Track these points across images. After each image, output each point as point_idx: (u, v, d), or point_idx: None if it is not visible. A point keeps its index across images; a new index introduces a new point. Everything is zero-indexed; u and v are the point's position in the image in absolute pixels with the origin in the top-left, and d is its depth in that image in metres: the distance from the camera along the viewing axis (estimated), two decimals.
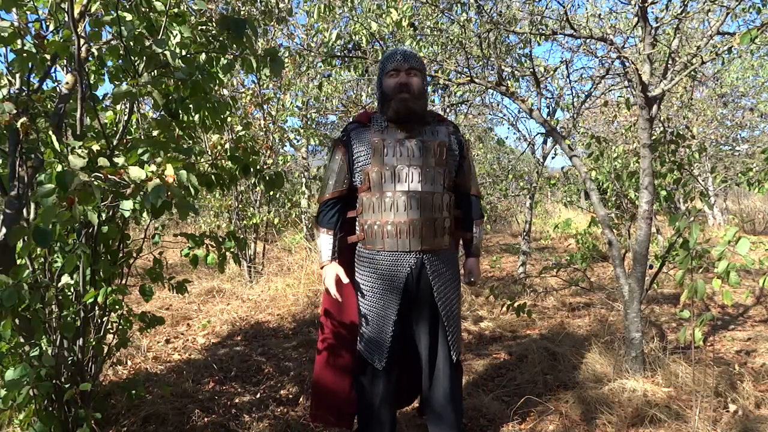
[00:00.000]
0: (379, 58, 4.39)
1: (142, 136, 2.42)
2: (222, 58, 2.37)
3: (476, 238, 2.46)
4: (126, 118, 2.25)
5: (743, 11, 3.83)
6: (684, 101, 6.61)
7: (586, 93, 5.67)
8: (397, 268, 2.24)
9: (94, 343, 2.33)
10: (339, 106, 6.75)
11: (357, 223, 2.35)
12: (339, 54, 4.72)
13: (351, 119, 2.57)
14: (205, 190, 2.57)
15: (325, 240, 2.31)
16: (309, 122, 6.93)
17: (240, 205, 6.31)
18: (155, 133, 2.31)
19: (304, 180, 7.99)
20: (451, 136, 2.33)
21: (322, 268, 2.33)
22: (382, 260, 2.25)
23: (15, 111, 1.87)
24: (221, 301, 5.46)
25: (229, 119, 4.44)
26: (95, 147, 1.73)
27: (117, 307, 2.42)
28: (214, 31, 2.31)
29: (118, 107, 2.52)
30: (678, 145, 3.79)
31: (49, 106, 2.14)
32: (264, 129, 6.01)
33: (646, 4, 2.94)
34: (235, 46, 2.24)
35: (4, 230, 1.93)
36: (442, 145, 2.27)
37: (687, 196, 4.24)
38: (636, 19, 3.24)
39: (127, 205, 1.75)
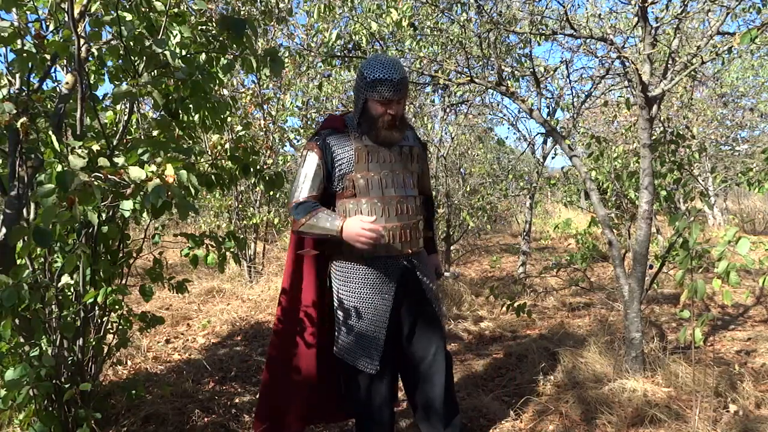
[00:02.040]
0: None
1: (142, 136, 2.43)
2: (222, 58, 2.37)
3: (435, 234, 2.57)
4: (126, 118, 2.25)
5: (743, 11, 3.83)
6: (684, 101, 6.61)
7: (586, 93, 5.67)
8: (389, 273, 2.25)
9: (94, 343, 2.33)
10: (339, 106, 6.74)
11: None
12: (339, 54, 4.72)
13: (321, 123, 2.50)
14: (205, 190, 2.58)
15: (323, 215, 2.17)
16: (309, 122, 6.93)
17: (240, 205, 6.32)
18: (155, 133, 2.31)
19: None
20: (416, 139, 2.41)
21: (341, 233, 2.13)
22: (373, 265, 2.23)
23: (15, 111, 1.87)
24: (221, 301, 5.46)
25: (229, 119, 4.44)
26: (95, 147, 1.73)
27: (117, 307, 2.42)
28: (214, 31, 2.32)
29: (118, 107, 2.52)
30: (678, 145, 3.79)
31: (49, 106, 2.14)
32: (264, 129, 6.01)
33: (646, 4, 2.93)
34: (235, 46, 2.24)
35: (4, 230, 1.93)
36: (414, 151, 2.35)
37: (687, 196, 4.24)
38: (636, 19, 3.24)
39: (127, 205, 1.75)
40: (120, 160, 1.77)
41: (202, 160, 2.63)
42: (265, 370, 2.45)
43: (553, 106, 5.94)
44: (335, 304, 2.32)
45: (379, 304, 2.24)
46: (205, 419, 2.80)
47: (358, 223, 2.11)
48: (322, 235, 2.20)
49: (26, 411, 2.19)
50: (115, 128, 2.52)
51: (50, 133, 1.95)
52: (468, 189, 6.68)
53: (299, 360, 2.38)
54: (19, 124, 1.87)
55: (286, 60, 5.18)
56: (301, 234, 2.26)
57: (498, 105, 7.78)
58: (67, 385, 2.12)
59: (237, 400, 3.05)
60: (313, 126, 7.24)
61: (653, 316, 4.54)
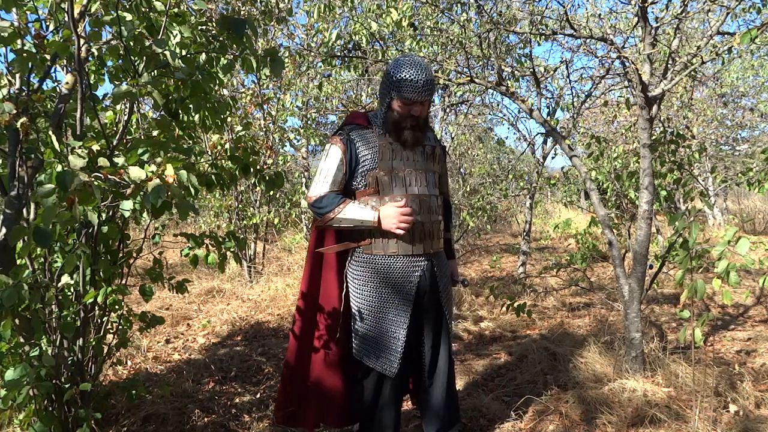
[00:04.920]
0: (379, 58, 4.39)
1: (142, 136, 2.42)
2: (222, 58, 2.36)
3: (453, 239, 2.56)
4: (126, 118, 2.24)
5: (743, 11, 3.83)
6: (684, 101, 6.62)
7: (586, 93, 5.67)
8: (408, 272, 2.22)
9: (94, 343, 2.33)
10: (339, 106, 6.74)
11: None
12: (339, 54, 4.72)
13: (344, 118, 2.52)
14: (205, 190, 2.57)
15: (353, 206, 2.18)
16: (309, 122, 6.93)
17: (240, 205, 6.32)
18: (155, 133, 2.31)
19: (304, 180, 7.99)
20: (437, 141, 2.42)
21: (378, 223, 2.16)
22: (394, 264, 2.22)
23: (15, 111, 1.87)
24: (221, 301, 5.46)
25: (229, 119, 4.44)
26: (95, 147, 1.73)
27: (117, 307, 2.42)
28: (214, 31, 2.31)
29: (118, 107, 2.52)
30: (678, 145, 3.79)
31: (49, 106, 2.14)
32: (264, 129, 6.01)
33: (646, 4, 2.93)
34: (235, 46, 2.24)
35: (4, 230, 1.93)
36: (436, 151, 2.36)
37: (687, 196, 4.24)
38: (636, 19, 3.24)
39: (127, 205, 1.75)
40: (120, 160, 1.77)
41: (202, 160, 2.63)
42: (284, 366, 2.44)
43: (553, 106, 5.95)
44: (354, 305, 2.29)
45: (399, 303, 2.22)
46: (205, 419, 2.80)
47: (394, 209, 2.14)
48: (352, 227, 2.21)
49: (26, 411, 2.19)
50: (115, 128, 2.52)
51: (50, 133, 1.94)
52: (468, 189, 6.68)
53: (316, 364, 2.38)
54: (19, 124, 1.87)
55: (286, 60, 5.18)
56: (327, 227, 2.24)
57: (498, 105, 7.80)
58: (67, 385, 2.12)
59: (237, 400, 3.05)
60: (313, 126, 7.25)
61: (653, 316, 4.54)
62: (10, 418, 2.34)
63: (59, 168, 1.56)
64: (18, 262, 2.00)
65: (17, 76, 2.07)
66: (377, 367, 2.24)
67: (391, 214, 2.15)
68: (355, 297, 2.29)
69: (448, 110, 6.63)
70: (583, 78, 5.57)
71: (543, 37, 3.88)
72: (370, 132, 2.26)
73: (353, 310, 2.31)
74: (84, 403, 2.20)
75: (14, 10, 1.97)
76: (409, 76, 2.11)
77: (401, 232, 2.15)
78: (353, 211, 2.18)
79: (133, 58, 2.07)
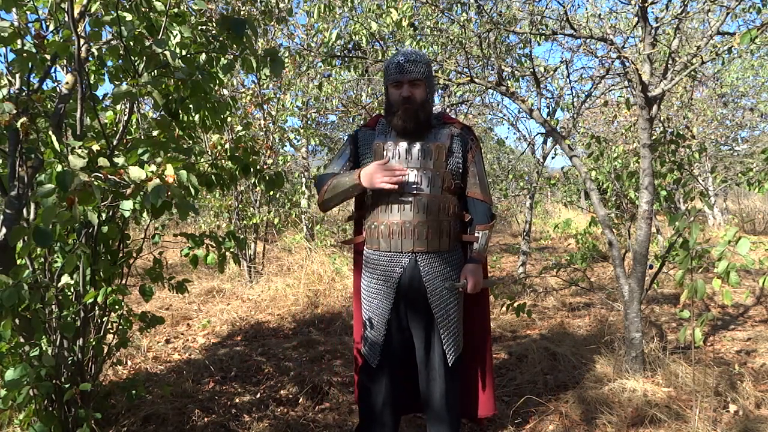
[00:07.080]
0: (379, 58, 4.39)
1: (142, 136, 2.42)
2: (222, 58, 2.37)
3: (478, 243, 2.33)
4: (126, 118, 2.24)
5: (743, 11, 3.83)
6: (684, 101, 6.62)
7: (586, 93, 5.67)
8: (391, 268, 2.27)
9: (94, 343, 2.33)
10: (339, 106, 6.75)
11: (363, 224, 2.40)
12: (339, 54, 4.72)
13: (363, 123, 2.62)
14: (205, 190, 2.57)
15: (341, 175, 2.30)
16: (309, 122, 6.94)
17: (240, 205, 6.32)
18: (155, 133, 2.31)
19: (304, 180, 7.99)
20: (455, 137, 2.30)
21: (359, 180, 2.22)
22: (378, 260, 2.30)
23: (15, 111, 1.87)
24: (221, 301, 5.46)
25: (229, 119, 4.44)
26: (95, 147, 1.73)
27: (117, 307, 2.41)
28: (214, 31, 2.31)
29: (118, 107, 2.52)
30: (678, 145, 3.79)
31: (49, 106, 2.14)
32: (264, 129, 6.01)
33: (646, 4, 2.94)
34: (235, 46, 2.24)
35: (4, 230, 1.93)
36: (441, 148, 2.25)
37: (687, 196, 4.24)
38: (636, 19, 3.24)
39: (127, 205, 1.75)
40: (120, 160, 1.77)
41: (202, 160, 2.63)
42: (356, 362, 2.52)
43: (553, 106, 5.95)
44: (362, 297, 2.41)
45: (381, 298, 2.30)
46: (205, 419, 2.80)
47: (374, 166, 2.20)
48: (344, 195, 2.31)
49: (26, 411, 2.19)
50: (115, 128, 2.52)
51: (50, 133, 1.94)
52: None
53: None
54: (19, 124, 1.87)
55: (286, 60, 5.18)
56: (325, 204, 2.37)
57: (498, 105, 7.81)
58: (67, 385, 2.12)
59: (237, 400, 3.05)
60: (313, 126, 7.26)
61: (653, 316, 4.54)
62: (10, 418, 2.34)
63: (59, 168, 1.56)
64: (18, 262, 2.00)
65: (17, 76, 2.07)
66: (367, 357, 2.35)
67: (371, 171, 2.19)
68: (363, 294, 2.41)
69: (448, 110, 6.63)
70: (583, 78, 5.58)
71: (543, 37, 3.88)
72: (373, 133, 2.36)
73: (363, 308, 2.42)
74: (84, 403, 2.20)
75: (14, 10, 1.97)
76: (391, 61, 2.26)
77: (389, 186, 2.15)
78: (339, 179, 2.29)
79: (133, 58, 2.07)
